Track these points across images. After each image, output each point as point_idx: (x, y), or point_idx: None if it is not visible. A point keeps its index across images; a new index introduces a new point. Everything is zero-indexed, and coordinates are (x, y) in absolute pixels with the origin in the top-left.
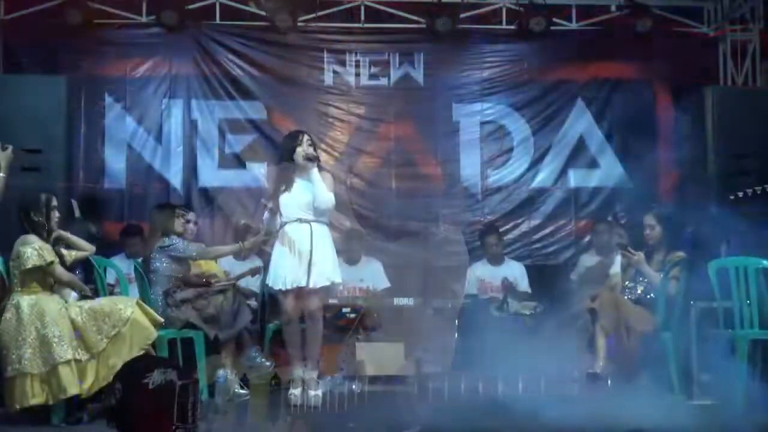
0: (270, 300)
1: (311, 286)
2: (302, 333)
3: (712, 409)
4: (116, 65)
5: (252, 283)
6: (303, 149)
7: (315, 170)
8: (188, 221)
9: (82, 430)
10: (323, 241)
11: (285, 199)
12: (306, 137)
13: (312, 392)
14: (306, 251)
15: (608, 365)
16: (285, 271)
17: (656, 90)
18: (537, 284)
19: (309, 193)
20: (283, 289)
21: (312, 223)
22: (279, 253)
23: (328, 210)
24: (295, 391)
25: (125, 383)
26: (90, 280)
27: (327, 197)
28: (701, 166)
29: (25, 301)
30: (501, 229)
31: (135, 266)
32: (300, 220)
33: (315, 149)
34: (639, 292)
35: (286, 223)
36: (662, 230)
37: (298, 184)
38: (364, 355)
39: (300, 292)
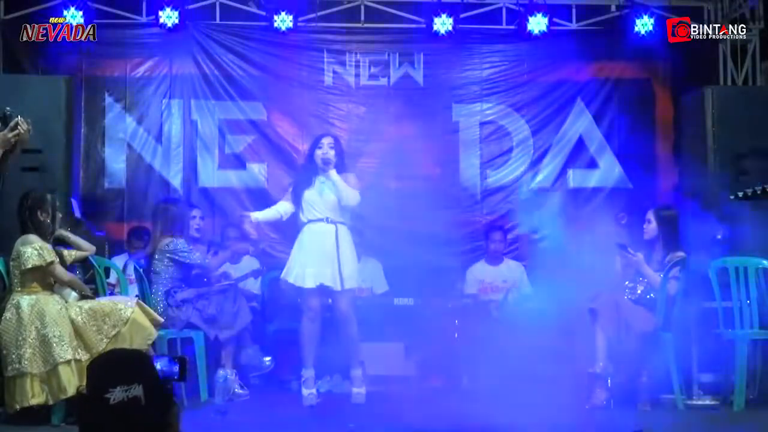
0: (271, 301)
1: (345, 288)
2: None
3: (712, 409)
4: (116, 65)
5: (251, 285)
6: (322, 152)
7: (333, 171)
8: (192, 217)
9: None
10: (348, 243)
11: (311, 198)
12: (328, 140)
13: (356, 390)
14: (332, 251)
15: (608, 365)
16: (310, 269)
17: (656, 90)
18: (537, 284)
19: (334, 194)
20: (309, 287)
21: (338, 225)
22: (302, 251)
23: (353, 207)
24: (311, 391)
25: (90, 389)
26: (90, 280)
27: (351, 194)
28: (701, 165)
29: (25, 301)
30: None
31: (134, 266)
32: (327, 220)
33: (338, 151)
34: (639, 292)
35: (311, 221)
36: (658, 227)
37: (325, 184)
38: (364, 355)
39: (325, 291)
